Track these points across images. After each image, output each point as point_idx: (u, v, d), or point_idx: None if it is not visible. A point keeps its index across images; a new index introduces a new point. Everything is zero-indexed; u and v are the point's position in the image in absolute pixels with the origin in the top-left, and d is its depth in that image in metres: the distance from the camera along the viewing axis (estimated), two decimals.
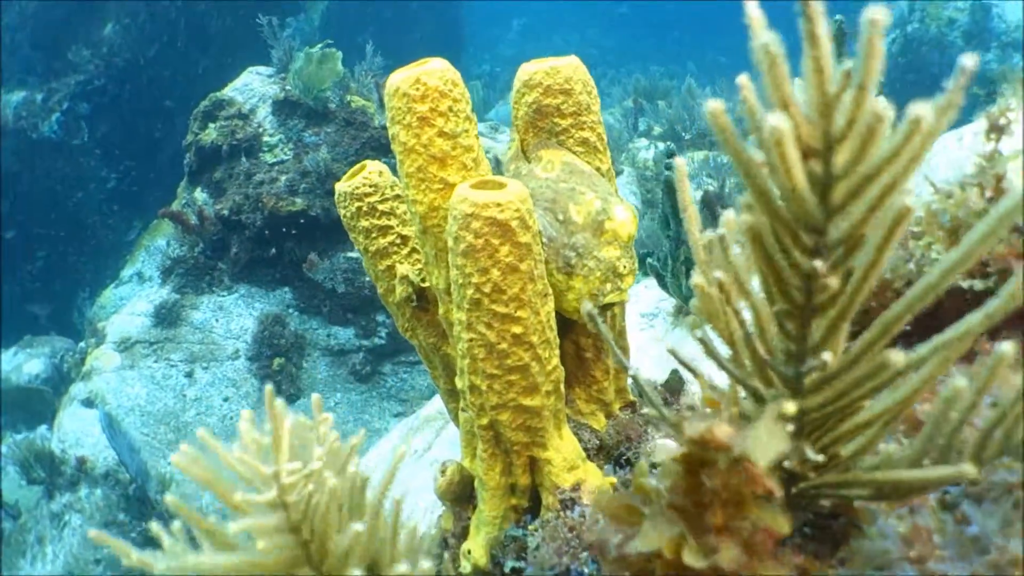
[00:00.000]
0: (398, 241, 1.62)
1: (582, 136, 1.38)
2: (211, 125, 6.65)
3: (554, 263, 1.26)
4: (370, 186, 1.60)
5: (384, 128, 6.67)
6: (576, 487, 1.29)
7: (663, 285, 2.27)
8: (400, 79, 1.22)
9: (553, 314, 1.22)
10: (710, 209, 5.56)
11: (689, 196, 0.81)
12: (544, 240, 1.25)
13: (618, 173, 7.95)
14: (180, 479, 5.88)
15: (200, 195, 6.89)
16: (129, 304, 6.83)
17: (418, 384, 6.96)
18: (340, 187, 1.64)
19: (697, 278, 0.73)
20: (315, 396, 0.89)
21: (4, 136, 8.31)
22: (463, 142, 1.25)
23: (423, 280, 1.58)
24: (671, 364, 2.31)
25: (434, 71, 1.21)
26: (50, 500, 5.72)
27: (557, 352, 1.24)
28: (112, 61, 8.80)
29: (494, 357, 1.17)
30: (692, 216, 0.79)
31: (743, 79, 0.58)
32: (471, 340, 1.18)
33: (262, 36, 6.62)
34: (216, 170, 6.73)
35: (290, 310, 7.05)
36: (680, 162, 0.85)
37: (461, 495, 1.56)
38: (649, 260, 2.26)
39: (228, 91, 6.85)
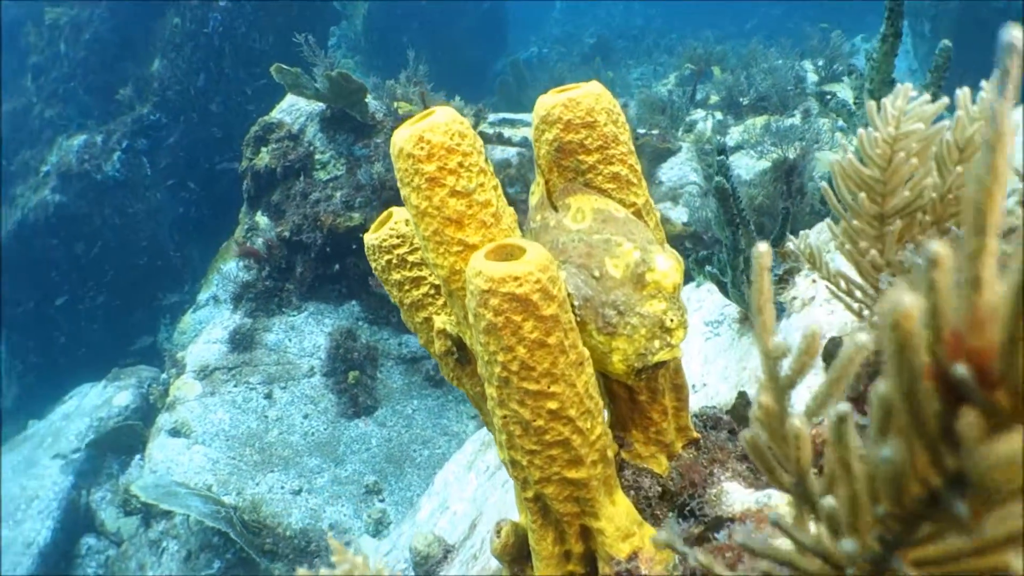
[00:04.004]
0: (432, 292, 1.53)
1: (612, 171, 1.26)
2: (263, 149, 6.73)
3: (593, 324, 1.14)
4: (397, 237, 1.52)
5: None
6: (632, 556, 1.19)
7: (724, 292, 2.13)
8: (403, 138, 1.13)
9: (593, 380, 1.11)
10: (786, 179, 5.29)
11: (767, 292, 0.62)
12: (579, 301, 1.14)
13: (676, 151, 7.71)
14: (268, 499, 6.01)
15: (261, 219, 6.99)
16: (205, 332, 7.00)
17: None
18: (368, 239, 1.56)
19: (764, 397, 0.60)
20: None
21: (70, 180, 8.63)
22: (479, 198, 1.15)
23: (461, 332, 1.49)
24: (739, 377, 2.18)
25: (437, 125, 1.11)
26: (147, 528, 5.92)
27: (602, 419, 1.14)
28: (165, 95, 9.02)
29: (531, 434, 1.07)
30: (766, 321, 0.61)
31: None
32: (504, 417, 1.09)
33: (302, 54, 6.64)
34: (273, 193, 6.81)
35: (360, 323, 7.11)
36: (763, 252, 0.62)
37: (518, 555, 1.48)
38: (708, 268, 2.12)
39: (276, 113, 6.91)
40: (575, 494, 1.15)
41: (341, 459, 6.46)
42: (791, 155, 6.06)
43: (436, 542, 2.79)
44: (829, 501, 0.52)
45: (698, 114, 8.92)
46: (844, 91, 7.93)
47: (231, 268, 7.49)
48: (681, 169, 7.42)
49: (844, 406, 0.49)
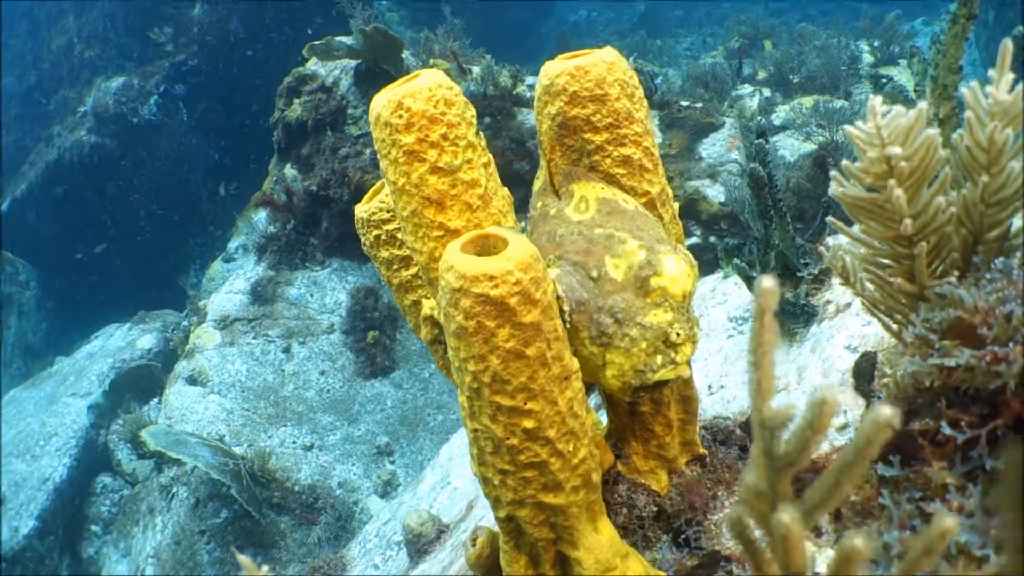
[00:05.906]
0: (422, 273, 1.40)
1: (622, 154, 1.10)
2: (296, 101, 6.60)
3: (586, 332, 0.99)
4: (387, 211, 1.38)
5: (475, 94, 6.39)
6: None
7: (752, 289, 1.96)
8: (381, 104, 0.98)
9: (580, 396, 0.97)
10: (822, 169, 5.04)
11: (768, 341, 0.50)
12: (571, 305, 0.99)
13: (720, 126, 7.43)
14: (279, 452, 6.00)
15: (290, 171, 6.89)
16: (227, 282, 6.96)
17: None
18: (358, 211, 1.43)
19: (752, 477, 0.46)
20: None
21: (106, 122, 8.59)
22: (464, 177, 1.00)
23: None
24: None
25: (419, 91, 0.96)
26: (159, 473, 5.95)
27: (588, 439, 0.99)
28: (204, 40, 8.91)
29: (504, 452, 0.94)
30: (763, 380, 0.49)
31: None
32: (475, 431, 0.95)
33: (339, 4, 6.46)
34: (303, 146, 6.69)
35: (382, 282, 7.02)
36: (767, 290, 0.54)
37: (494, 568, 1.36)
38: (736, 261, 1.95)
39: (311, 65, 6.76)
40: (551, 520, 1.01)
41: (355, 418, 6.42)
42: (839, 138, 5.79)
43: (430, 521, 2.70)
44: None
45: (745, 89, 8.58)
46: (901, 74, 7.56)
47: (260, 219, 7.43)
48: (723, 145, 7.15)
49: None
